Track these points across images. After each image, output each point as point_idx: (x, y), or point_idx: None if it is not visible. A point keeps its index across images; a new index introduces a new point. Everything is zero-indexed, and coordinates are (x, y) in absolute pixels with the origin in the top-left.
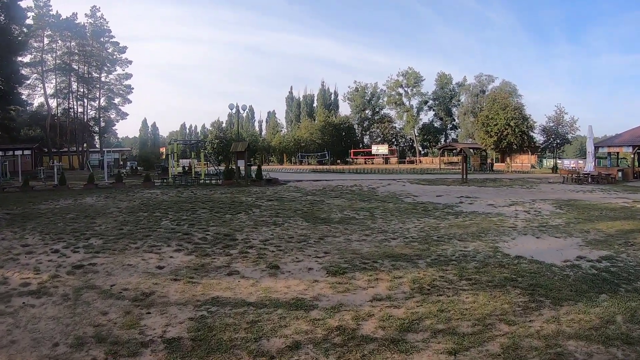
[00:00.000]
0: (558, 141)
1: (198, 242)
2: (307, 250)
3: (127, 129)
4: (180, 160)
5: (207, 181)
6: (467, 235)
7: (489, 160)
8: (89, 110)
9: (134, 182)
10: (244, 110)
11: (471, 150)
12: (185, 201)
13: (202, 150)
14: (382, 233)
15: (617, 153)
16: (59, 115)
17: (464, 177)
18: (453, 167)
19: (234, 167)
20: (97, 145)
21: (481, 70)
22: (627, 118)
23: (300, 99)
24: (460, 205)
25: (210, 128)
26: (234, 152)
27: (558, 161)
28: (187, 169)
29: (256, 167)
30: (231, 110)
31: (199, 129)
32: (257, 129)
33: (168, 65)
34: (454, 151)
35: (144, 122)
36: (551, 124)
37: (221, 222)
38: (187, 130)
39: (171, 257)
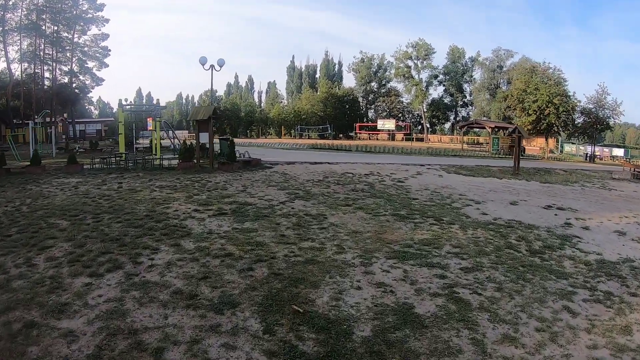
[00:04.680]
0: (598, 126)
1: None
2: None
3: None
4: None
5: (157, 163)
6: None
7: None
8: (58, 76)
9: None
10: (221, 67)
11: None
12: (76, 211)
13: (157, 120)
14: None
15: None
16: (22, 81)
17: (516, 166)
18: (477, 148)
19: (203, 144)
20: (92, 115)
21: (488, 49)
22: (634, 106)
23: (302, 69)
24: (577, 235)
25: (205, 97)
26: (193, 120)
27: (580, 147)
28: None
29: (229, 142)
30: (202, 64)
31: (196, 99)
32: (256, 99)
33: (166, 37)
34: (478, 130)
35: (139, 91)
36: (590, 106)
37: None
38: (184, 100)
39: None
